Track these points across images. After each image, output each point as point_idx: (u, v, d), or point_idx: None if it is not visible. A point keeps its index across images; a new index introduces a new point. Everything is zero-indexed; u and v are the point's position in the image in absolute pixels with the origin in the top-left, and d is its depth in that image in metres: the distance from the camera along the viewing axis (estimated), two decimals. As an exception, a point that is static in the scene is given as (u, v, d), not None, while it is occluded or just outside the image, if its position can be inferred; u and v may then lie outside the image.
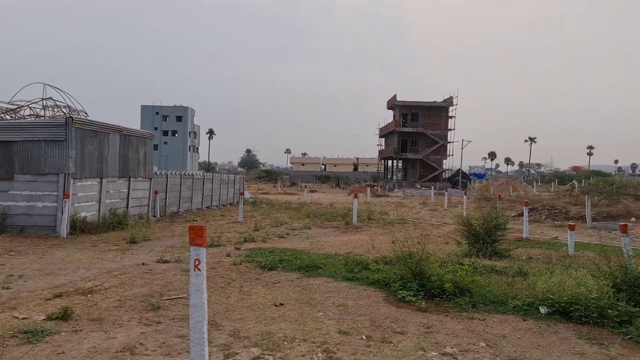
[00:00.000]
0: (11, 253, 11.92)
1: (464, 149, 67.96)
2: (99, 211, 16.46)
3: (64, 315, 6.63)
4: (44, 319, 6.62)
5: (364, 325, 6.45)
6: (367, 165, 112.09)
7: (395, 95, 69.24)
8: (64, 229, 14.38)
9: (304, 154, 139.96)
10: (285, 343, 5.73)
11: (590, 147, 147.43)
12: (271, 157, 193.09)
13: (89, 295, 7.97)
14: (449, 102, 66.90)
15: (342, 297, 8.01)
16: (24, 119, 16.50)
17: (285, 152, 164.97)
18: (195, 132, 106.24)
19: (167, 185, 22.42)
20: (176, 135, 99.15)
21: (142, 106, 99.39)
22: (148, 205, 20.19)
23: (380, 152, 78.46)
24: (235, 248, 13.47)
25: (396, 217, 24.49)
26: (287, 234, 17.07)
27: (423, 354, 5.39)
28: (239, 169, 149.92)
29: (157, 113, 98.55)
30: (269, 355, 5.33)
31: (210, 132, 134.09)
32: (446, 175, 70.06)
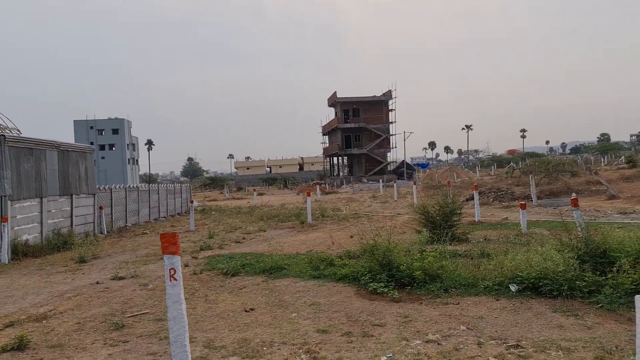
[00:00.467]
0: (-52, 285, 10.98)
1: (406, 140, 69.42)
2: (42, 232, 15.51)
3: (20, 345, 6.13)
4: (-3, 352, 6.09)
5: (341, 322, 6.33)
6: (312, 164, 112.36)
7: (335, 93, 69.72)
8: (4, 254, 13.44)
9: (248, 157, 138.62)
10: (265, 348, 5.53)
11: (524, 130, 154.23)
12: (214, 164, 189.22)
13: (44, 322, 7.44)
14: (388, 95, 68.02)
15: (312, 296, 7.87)
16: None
17: (228, 157, 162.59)
18: (133, 144, 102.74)
19: (112, 199, 21.48)
20: (114, 148, 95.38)
21: (74, 121, 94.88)
22: (94, 222, 19.25)
23: (324, 149, 78.80)
24: (192, 257, 13.05)
25: (349, 212, 24.59)
26: (243, 238, 16.75)
27: (407, 344, 5.33)
28: (182, 179, 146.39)
29: (91, 127, 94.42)
30: (251, 362, 5.11)
31: (149, 143, 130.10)
32: (391, 167, 71.25)
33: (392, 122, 68.55)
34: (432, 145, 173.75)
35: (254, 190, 46.93)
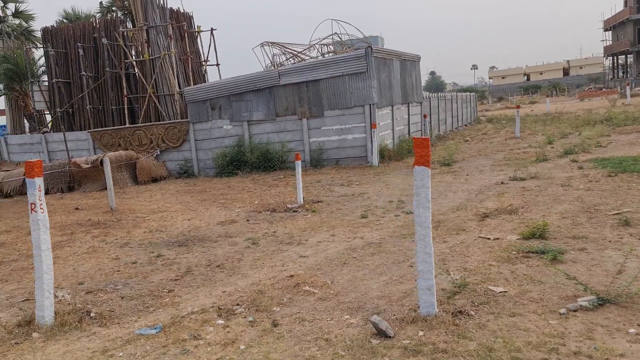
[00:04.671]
0: (355, 183, 12.29)
1: None
2: (393, 138, 16.44)
3: (541, 234, 6.12)
4: (518, 238, 6.19)
5: None
6: (580, 68, 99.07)
7: (627, -24, 58.31)
8: (374, 157, 14.56)
9: (493, 67, 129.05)
10: None
11: None
12: (455, 77, 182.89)
13: (522, 215, 7.45)
14: None
15: None
16: (321, 57, 16.97)
17: (471, 69, 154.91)
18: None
19: (430, 108, 21.77)
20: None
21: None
22: (421, 130, 19.81)
23: (606, 48, 67.98)
24: (572, 160, 12.11)
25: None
26: (599, 143, 15.03)
27: None
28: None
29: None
30: None
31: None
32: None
33: None
34: None
35: (547, 96, 43.72)
